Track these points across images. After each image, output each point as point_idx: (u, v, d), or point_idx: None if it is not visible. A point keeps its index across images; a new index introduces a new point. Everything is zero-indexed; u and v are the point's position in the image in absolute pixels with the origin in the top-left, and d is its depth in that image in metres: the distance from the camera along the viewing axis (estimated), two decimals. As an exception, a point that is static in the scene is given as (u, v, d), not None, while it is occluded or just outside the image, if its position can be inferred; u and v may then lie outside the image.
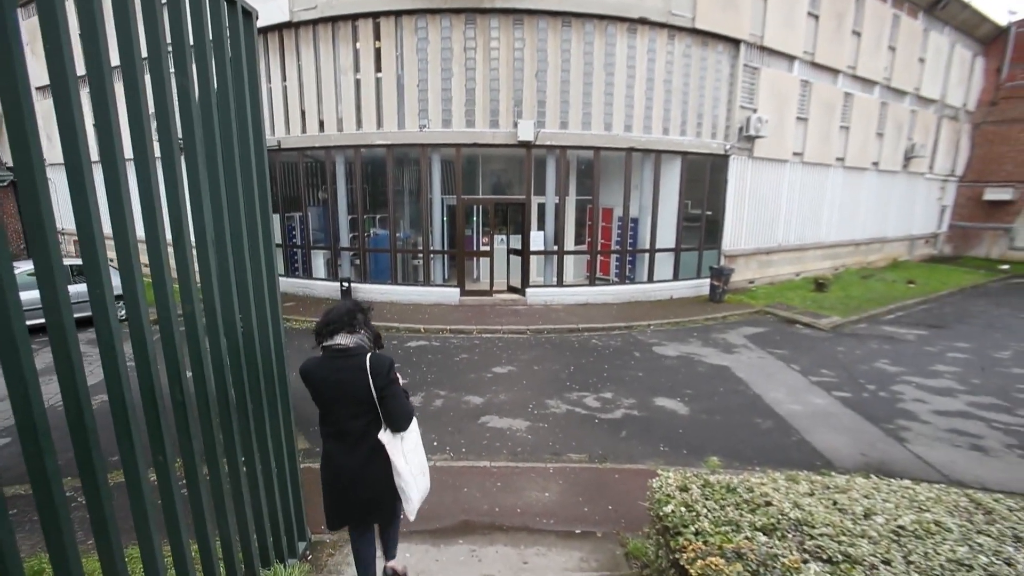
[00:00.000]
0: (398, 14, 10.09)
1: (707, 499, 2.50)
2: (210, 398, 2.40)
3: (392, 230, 11.41)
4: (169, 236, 2.14)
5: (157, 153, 2.06)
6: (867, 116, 15.45)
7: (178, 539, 2.23)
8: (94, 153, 1.65)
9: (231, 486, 2.62)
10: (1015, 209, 19.31)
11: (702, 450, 4.97)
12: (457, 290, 11.22)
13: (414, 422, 2.51)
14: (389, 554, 2.82)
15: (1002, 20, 19.00)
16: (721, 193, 12.41)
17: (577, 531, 3.67)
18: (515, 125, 10.24)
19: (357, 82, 10.68)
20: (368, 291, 11.27)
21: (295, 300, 11.47)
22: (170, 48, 2.13)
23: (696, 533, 2.23)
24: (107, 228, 1.75)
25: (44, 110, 13.79)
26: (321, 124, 11.26)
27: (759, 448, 5.11)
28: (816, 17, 13.16)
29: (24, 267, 8.16)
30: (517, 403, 6.11)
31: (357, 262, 11.84)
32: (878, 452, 5.09)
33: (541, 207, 11.45)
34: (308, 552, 3.28)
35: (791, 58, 12.92)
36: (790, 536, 2.20)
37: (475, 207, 12.66)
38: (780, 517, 2.31)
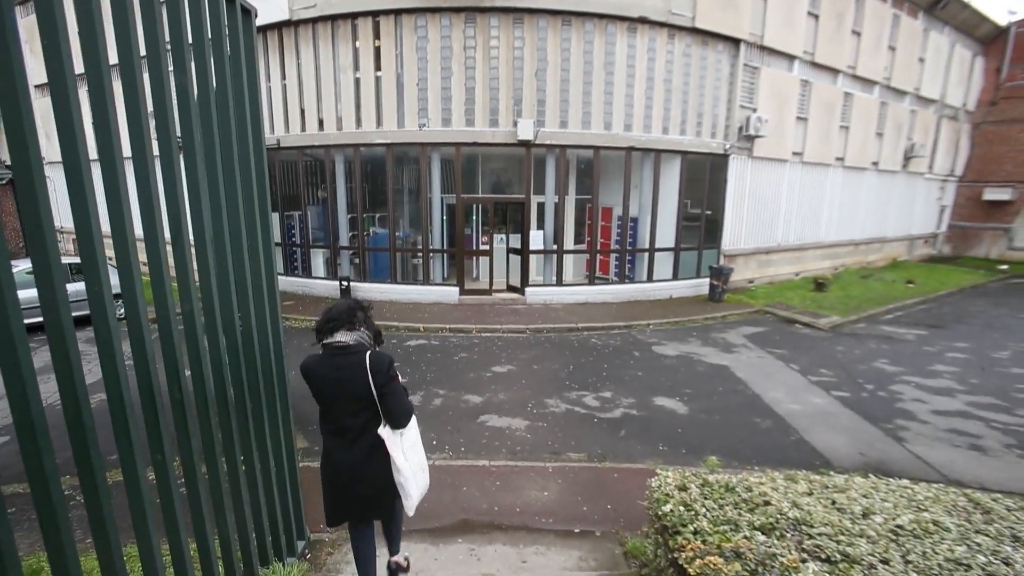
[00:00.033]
0: (398, 13, 10.07)
1: (706, 498, 2.50)
2: (209, 397, 2.40)
3: (391, 229, 11.40)
4: (168, 235, 2.14)
5: (156, 152, 2.06)
6: (867, 116, 15.46)
7: (177, 538, 2.23)
8: (93, 152, 1.64)
9: (230, 485, 2.62)
10: (1014, 209, 19.32)
11: (701, 449, 4.97)
12: (456, 289, 11.22)
13: (413, 419, 2.52)
14: (392, 549, 2.84)
15: (1002, 20, 19.01)
16: (721, 192, 12.41)
17: (576, 530, 3.68)
18: (515, 124, 10.24)
19: (357, 81, 10.67)
20: (367, 290, 11.26)
21: (294, 299, 11.47)
22: (169, 46, 2.12)
23: (695, 532, 2.23)
24: (106, 227, 1.75)
25: (43, 108, 13.78)
26: (320, 123, 11.25)
27: (758, 447, 5.12)
28: (816, 17, 13.16)
29: (23, 265, 8.15)
30: (516, 402, 6.11)
31: (356, 261, 11.84)
32: (877, 452, 5.09)
33: (541, 206, 11.44)
34: (307, 551, 3.28)
35: (791, 58, 12.92)
36: (789, 535, 2.20)
37: (475, 206, 12.66)
38: (779, 516, 2.31)
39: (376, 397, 2.35)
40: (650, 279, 11.92)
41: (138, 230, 1.97)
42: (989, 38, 19.35)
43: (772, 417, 5.83)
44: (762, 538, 2.16)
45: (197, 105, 2.28)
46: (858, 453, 5.06)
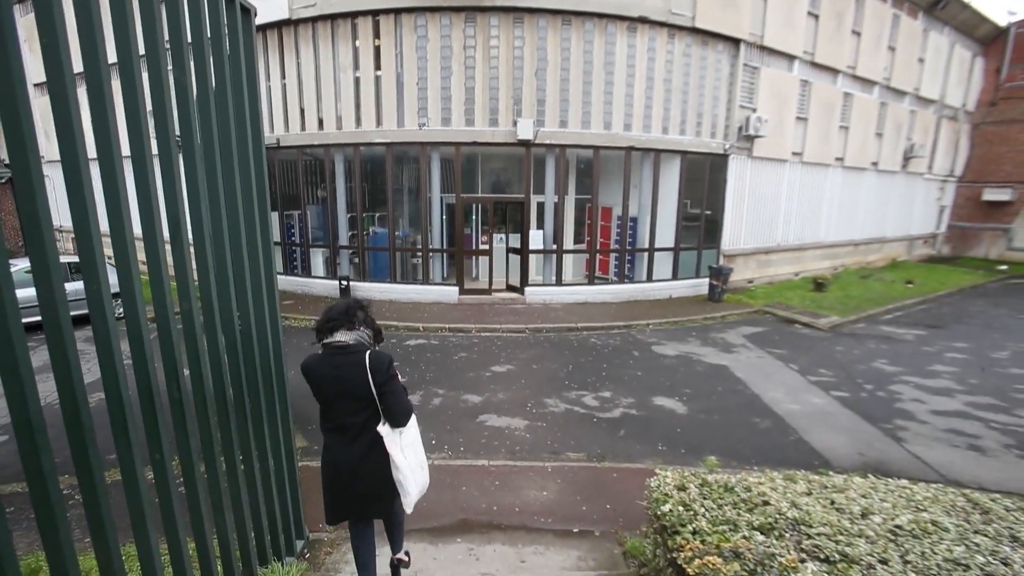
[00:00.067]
0: (397, 12, 10.06)
1: (705, 498, 2.50)
2: (208, 396, 2.40)
3: (391, 228, 11.40)
4: (167, 234, 2.14)
5: (155, 151, 2.05)
6: (866, 116, 15.46)
7: (175, 537, 2.23)
8: (91, 151, 1.64)
9: (229, 484, 2.62)
10: (1014, 210, 19.33)
11: (700, 449, 4.97)
12: (456, 289, 11.21)
13: (413, 418, 2.52)
14: (395, 548, 2.84)
15: (1002, 20, 19.01)
16: (720, 192, 12.41)
17: (575, 530, 3.68)
18: (514, 124, 10.23)
19: (356, 80, 10.66)
20: (367, 289, 11.26)
21: (294, 298, 11.46)
22: (168, 45, 2.12)
23: (694, 532, 2.23)
24: (104, 226, 1.74)
25: (41, 107, 13.76)
26: (320, 122, 11.24)
27: (757, 447, 5.12)
28: (816, 17, 13.16)
29: (22, 264, 8.14)
30: (516, 402, 6.11)
31: (356, 260, 11.83)
32: (876, 452, 5.10)
33: (540, 206, 11.44)
34: (306, 550, 3.28)
35: (791, 58, 12.92)
36: (787, 535, 2.20)
37: (474, 206, 12.65)
38: (778, 516, 2.31)
39: (376, 396, 2.36)
40: (650, 279, 11.92)
41: (137, 229, 1.96)
42: (989, 38, 19.36)
43: (771, 417, 5.84)
44: (761, 538, 2.16)
45: (196, 104, 2.28)
46: (857, 453, 5.06)
